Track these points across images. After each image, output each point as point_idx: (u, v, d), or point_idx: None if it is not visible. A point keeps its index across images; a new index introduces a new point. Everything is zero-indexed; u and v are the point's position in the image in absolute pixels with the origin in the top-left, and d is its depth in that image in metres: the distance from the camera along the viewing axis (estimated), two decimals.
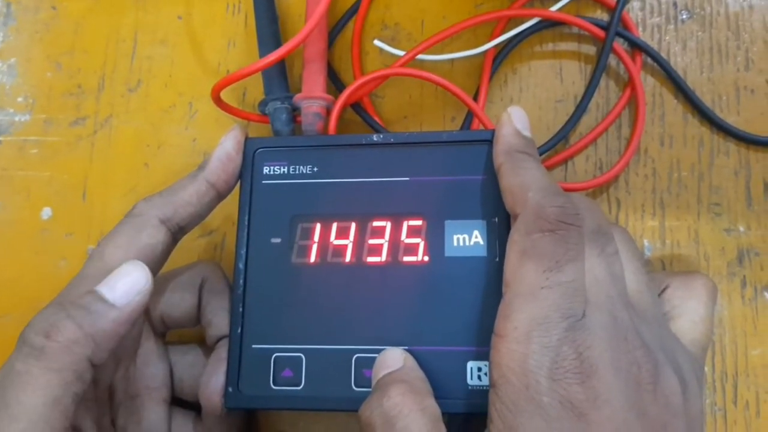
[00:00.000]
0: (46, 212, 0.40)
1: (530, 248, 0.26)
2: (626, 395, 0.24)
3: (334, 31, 0.40)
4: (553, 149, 0.37)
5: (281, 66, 0.37)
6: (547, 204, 0.26)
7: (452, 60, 0.38)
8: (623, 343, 0.25)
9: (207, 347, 0.33)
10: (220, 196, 0.32)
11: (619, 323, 0.25)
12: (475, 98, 0.38)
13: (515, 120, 0.30)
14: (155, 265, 0.30)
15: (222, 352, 0.31)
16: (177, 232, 0.31)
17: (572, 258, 0.26)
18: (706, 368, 0.34)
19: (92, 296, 0.27)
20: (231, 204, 0.33)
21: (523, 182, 0.28)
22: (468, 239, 0.30)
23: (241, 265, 0.31)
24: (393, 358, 0.28)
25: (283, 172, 0.32)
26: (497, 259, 0.30)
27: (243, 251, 0.31)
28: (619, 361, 0.25)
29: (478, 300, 0.29)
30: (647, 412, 0.24)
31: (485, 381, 0.29)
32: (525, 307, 0.25)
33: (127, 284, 0.27)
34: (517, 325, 0.25)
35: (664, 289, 0.30)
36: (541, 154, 0.36)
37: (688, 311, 0.29)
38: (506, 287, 0.27)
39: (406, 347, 0.29)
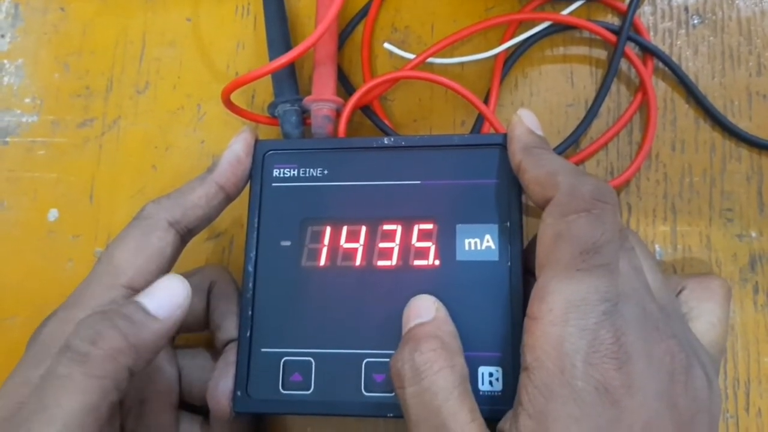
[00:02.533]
0: (53, 214, 0.40)
1: (565, 230, 0.26)
2: (659, 385, 0.24)
3: (344, 34, 0.40)
4: (564, 154, 0.37)
5: (291, 68, 0.37)
6: (580, 183, 0.26)
7: (462, 63, 0.38)
8: (655, 333, 0.25)
9: (215, 351, 0.32)
10: (229, 198, 0.32)
11: (649, 314, 0.25)
12: (486, 102, 0.38)
13: (526, 120, 0.30)
14: (164, 268, 0.29)
15: (230, 355, 0.30)
16: (185, 235, 0.31)
17: (609, 239, 0.25)
18: None
19: (135, 306, 0.27)
20: (239, 207, 0.33)
21: (550, 169, 0.27)
22: (480, 243, 0.30)
23: (250, 268, 0.31)
24: (425, 308, 0.28)
25: (293, 174, 0.32)
26: (509, 264, 0.29)
27: (252, 254, 0.31)
28: (652, 350, 0.24)
29: (490, 305, 0.29)
30: (677, 403, 0.24)
31: (497, 387, 0.28)
32: (561, 288, 0.25)
33: (168, 298, 0.27)
34: (553, 307, 0.24)
35: (680, 291, 0.29)
36: None
37: (705, 313, 0.28)
38: (540, 270, 0.26)
39: None
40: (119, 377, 0.25)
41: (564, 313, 0.24)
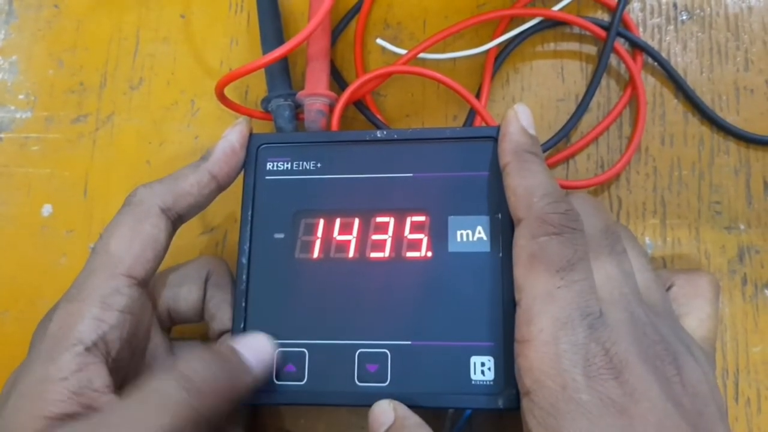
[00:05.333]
0: (47, 209, 0.40)
1: (539, 251, 0.26)
2: (660, 387, 0.24)
3: (336, 30, 0.40)
4: (555, 148, 0.37)
5: (284, 63, 0.37)
6: (551, 210, 0.27)
7: (454, 59, 0.38)
8: (643, 338, 0.25)
9: (210, 342, 0.32)
10: (221, 188, 0.32)
11: (636, 319, 0.26)
12: (477, 97, 0.38)
13: (521, 118, 0.30)
14: (160, 255, 0.30)
15: None
16: (176, 221, 0.31)
17: (580, 257, 0.26)
18: None
19: (239, 356, 0.28)
20: (233, 201, 0.33)
21: (529, 186, 0.28)
22: (471, 235, 0.30)
23: (244, 261, 0.31)
24: (384, 413, 0.28)
25: (287, 167, 0.32)
26: (500, 255, 0.30)
27: (246, 246, 0.31)
28: (645, 355, 0.25)
29: (482, 295, 0.29)
30: (682, 402, 0.24)
31: (489, 376, 0.29)
32: (545, 309, 0.25)
33: (261, 351, 0.29)
34: (542, 327, 0.25)
35: (669, 288, 0.30)
36: (543, 153, 0.37)
37: (694, 309, 0.29)
38: (520, 292, 0.27)
39: (410, 342, 0.29)
40: (207, 418, 0.25)
41: (554, 332, 0.25)
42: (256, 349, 0.28)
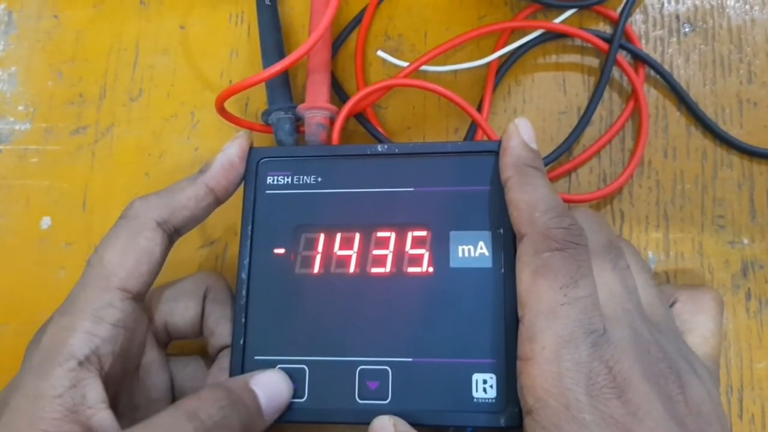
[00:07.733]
0: (46, 221, 0.39)
1: (542, 267, 0.26)
2: (663, 406, 0.24)
3: (337, 42, 0.40)
4: (557, 161, 0.37)
5: (285, 76, 0.37)
6: (554, 225, 0.27)
7: (455, 71, 0.38)
8: (647, 356, 0.25)
9: (208, 359, 0.32)
10: (219, 201, 0.31)
11: (640, 336, 0.25)
12: (479, 110, 0.38)
13: (522, 132, 0.30)
14: (154, 269, 0.29)
15: (224, 361, 0.30)
16: (173, 234, 0.30)
17: (584, 274, 0.26)
18: None
19: (255, 400, 0.27)
20: (233, 214, 0.33)
21: (531, 200, 0.28)
22: (473, 250, 0.30)
23: (244, 276, 0.31)
24: (383, 428, 0.27)
25: (287, 182, 0.32)
26: (503, 271, 0.29)
27: (246, 261, 0.31)
28: (649, 373, 0.25)
29: (484, 311, 0.29)
30: (685, 422, 0.24)
31: (491, 394, 0.28)
32: (548, 326, 0.25)
33: (277, 398, 0.28)
34: (545, 345, 0.25)
35: (673, 304, 0.30)
36: (544, 166, 0.36)
37: (698, 326, 0.29)
38: (523, 308, 0.26)
39: (411, 359, 0.29)
40: None
41: (557, 350, 0.24)
42: (275, 393, 0.28)
